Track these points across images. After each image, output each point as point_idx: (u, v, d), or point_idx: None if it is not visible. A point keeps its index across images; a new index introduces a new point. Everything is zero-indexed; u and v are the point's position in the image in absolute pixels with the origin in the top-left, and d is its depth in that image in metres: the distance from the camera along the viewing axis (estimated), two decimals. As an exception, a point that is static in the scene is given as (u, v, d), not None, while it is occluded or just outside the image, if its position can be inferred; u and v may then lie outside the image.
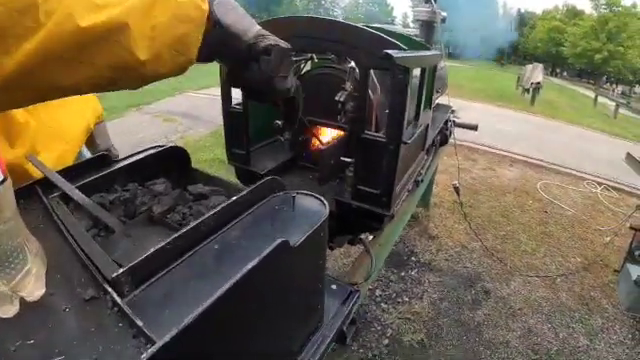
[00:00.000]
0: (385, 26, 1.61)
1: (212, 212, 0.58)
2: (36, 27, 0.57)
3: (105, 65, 0.66)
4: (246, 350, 0.50)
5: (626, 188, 5.47)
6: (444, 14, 2.57)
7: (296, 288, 0.63)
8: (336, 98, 1.07)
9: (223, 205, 0.60)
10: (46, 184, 0.77)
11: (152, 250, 0.51)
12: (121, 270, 0.48)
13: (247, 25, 0.80)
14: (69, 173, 0.81)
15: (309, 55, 1.32)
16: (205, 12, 0.73)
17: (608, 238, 3.87)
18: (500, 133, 7.83)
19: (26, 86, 0.64)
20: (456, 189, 2.80)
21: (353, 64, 1.10)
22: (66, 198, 0.74)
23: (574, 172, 5.93)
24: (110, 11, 0.62)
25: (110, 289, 0.49)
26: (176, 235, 0.53)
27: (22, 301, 0.50)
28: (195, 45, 0.74)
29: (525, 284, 3.15)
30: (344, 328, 0.79)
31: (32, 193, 0.76)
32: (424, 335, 2.52)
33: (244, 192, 0.65)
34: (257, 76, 0.81)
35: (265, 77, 0.81)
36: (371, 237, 1.50)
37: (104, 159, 0.91)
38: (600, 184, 5.50)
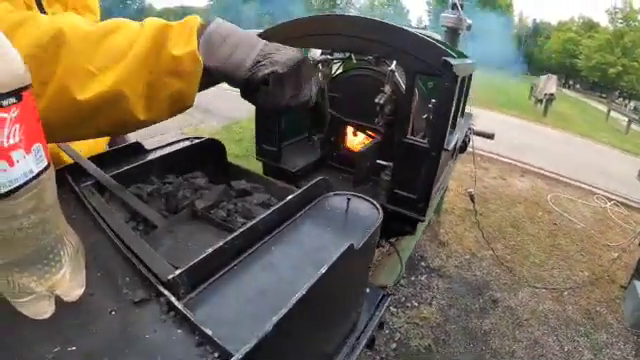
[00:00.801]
0: (422, 31, 1.60)
1: (270, 211, 0.57)
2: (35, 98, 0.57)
3: (106, 126, 0.69)
4: (300, 354, 0.49)
5: (636, 205, 5.43)
6: (469, 21, 2.57)
7: (349, 291, 0.62)
8: (376, 100, 1.07)
9: (279, 204, 0.59)
10: (76, 171, 0.74)
11: (210, 250, 0.48)
12: (179, 271, 0.45)
13: (240, 57, 0.72)
14: (100, 161, 0.77)
15: (347, 55, 1.31)
16: (201, 64, 0.70)
17: (616, 254, 3.85)
18: (512, 143, 7.79)
19: None
20: (471, 197, 2.78)
21: (393, 67, 1.09)
22: (99, 187, 0.70)
23: (585, 186, 5.89)
24: (105, 80, 0.62)
25: (166, 291, 0.45)
26: (235, 234, 0.51)
27: (59, 301, 0.45)
28: (192, 95, 0.72)
29: (533, 295, 3.14)
30: (374, 333, 0.78)
31: (62, 180, 0.70)
32: (431, 341, 2.51)
33: (298, 192, 0.64)
34: (264, 103, 0.76)
35: (273, 103, 0.75)
36: (393, 240, 1.50)
37: (137, 148, 0.90)
38: (610, 199, 5.46)
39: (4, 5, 0.62)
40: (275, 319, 0.37)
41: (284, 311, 0.38)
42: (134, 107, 0.66)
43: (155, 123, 0.73)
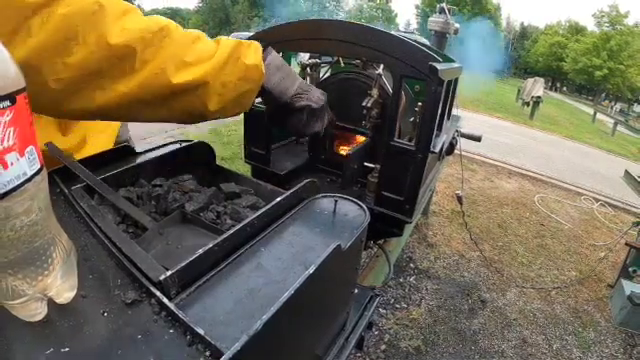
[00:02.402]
0: (409, 35, 1.62)
1: (259, 213, 0.58)
2: (131, 72, 0.69)
3: (180, 110, 0.81)
4: (289, 353, 0.49)
5: (622, 205, 5.52)
6: (457, 25, 2.59)
7: (337, 292, 0.63)
8: (363, 104, 1.08)
9: (268, 207, 0.60)
10: (65, 174, 0.74)
11: (201, 251, 0.48)
12: (170, 272, 0.45)
13: (287, 85, 0.95)
14: (89, 163, 0.78)
15: (335, 59, 1.33)
16: (263, 75, 0.89)
17: (603, 253, 3.90)
18: (499, 145, 7.87)
19: (110, 116, 0.78)
20: (459, 198, 2.80)
21: (380, 71, 1.11)
22: (89, 190, 0.70)
23: (571, 187, 5.97)
24: (196, 70, 0.76)
25: (157, 292, 0.45)
26: (225, 236, 0.52)
27: (51, 303, 0.45)
28: (251, 100, 0.91)
29: (521, 295, 3.18)
30: (363, 333, 0.79)
31: (51, 183, 0.66)
32: (421, 342, 2.53)
33: (287, 194, 0.64)
34: (290, 126, 1.01)
35: (297, 127, 1.00)
36: (381, 242, 1.51)
37: (126, 151, 0.90)
38: (597, 200, 5.55)
39: None
40: (265, 317, 0.38)
41: (273, 310, 0.39)
42: (209, 98, 0.81)
43: (217, 119, 0.89)
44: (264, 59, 0.90)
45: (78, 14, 0.62)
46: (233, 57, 0.83)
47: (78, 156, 0.94)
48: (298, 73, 1.30)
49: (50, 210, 0.46)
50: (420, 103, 1.05)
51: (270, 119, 1.10)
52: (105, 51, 0.65)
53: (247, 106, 0.92)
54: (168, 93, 0.75)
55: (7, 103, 0.37)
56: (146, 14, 0.75)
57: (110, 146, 1.15)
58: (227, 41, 0.85)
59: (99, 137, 1.09)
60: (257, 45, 0.90)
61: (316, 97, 0.98)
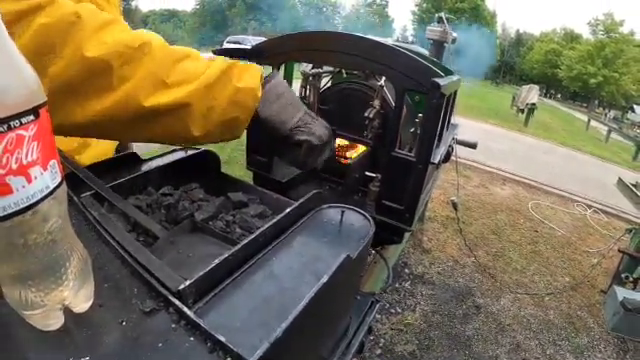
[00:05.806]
0: (409, 46, 1.65)
1: (270, 224, 0.59)
2: (108, 89, 0.67)
3: (162, 133, 0.77)
4: (302, 358, 0.51)
5: (614, 212, 5.57)
6: (455, 34, 2.62)
7: (343, 298, 0.65)
8: (365, 114, 1.10)
9: (279, 217, 0.62)
10: (72, 180, 0.72)
11: (217, 261, 0.50)
12: (189, 281, 0.46)
13: (287, 116, 0.87)
14: (96, 170, 0.77)
15: (337, 69, 1.35)
16: (258, 101, 0.83)
17: (596, 260, 3.94)
18: (494, 152, 7.91)
19: (91, 134, 0.76)
20: (454, 205, 2.83)
21: (382, 82, 1.13)
22: (98, 198, 0.70)
23: (565, 194, 6.01)
24: (176, 91, 0.72)
25: (177, 301, 0.46)
26: (239, 247, 0.53)
27: (68, 312, 0.45)
28: (243, 127, 0.86)
29: (514, 301, 3.20)
30: (364, 338, 0.81)
31: None
32: (416, 346, 2.55)
33: (295, 205, 0.66)
34: (286, 159, 0.96)
35: (293, 162, 0.95)
36: (379, 249, 1.53)
37: (133, 158, 0.89)
38: (590, 207, 5.59)
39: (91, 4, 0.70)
40: (284, 325, 0.39)
41: (292, 317, 0.41)
42: (192, 123, 0.76)
43: (203, 143, 0.85)
44: (265, 84, 0.85)
45: (55, 25, 0.60)
46: (223, 79, 0.78)
47: (82, 158, 0.95)
48: (300, 82, 1.32)
49: (67, 220, 0.46)
50: (420, 114, 1.08)
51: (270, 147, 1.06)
52: (80, 65, 0.63)
53: (238, 133, 0.87)
54: (146, 114, 0.71)
55: (31, 117, 0.37)
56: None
57: (113, 148, 1.16)
58: (220, 62, 0.80)
59: (104, 140, 1.05)
60: (257, 68, 0.84)
61: (319, 132, 0.90)
